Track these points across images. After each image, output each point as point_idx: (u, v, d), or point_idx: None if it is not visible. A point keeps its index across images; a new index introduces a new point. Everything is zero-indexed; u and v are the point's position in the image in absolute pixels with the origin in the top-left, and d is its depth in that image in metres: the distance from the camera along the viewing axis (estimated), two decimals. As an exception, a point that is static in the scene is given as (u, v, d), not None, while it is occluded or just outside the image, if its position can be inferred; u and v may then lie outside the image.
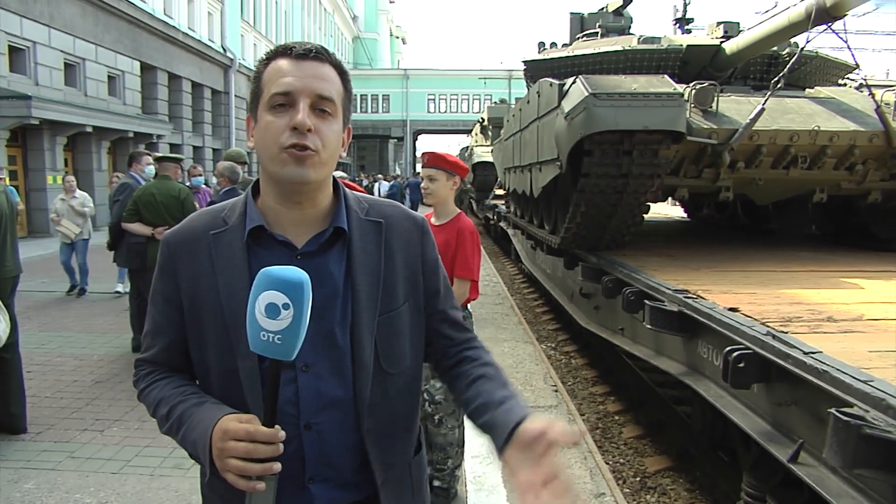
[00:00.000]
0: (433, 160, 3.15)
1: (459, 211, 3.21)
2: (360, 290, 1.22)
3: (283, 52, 1.19)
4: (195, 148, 23.55)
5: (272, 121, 1.16)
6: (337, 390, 1.20)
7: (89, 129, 15.38)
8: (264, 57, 1.22)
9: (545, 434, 1.07)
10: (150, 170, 6.43)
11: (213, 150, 24.98)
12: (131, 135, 17.37)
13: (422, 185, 3.24)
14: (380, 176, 31.64)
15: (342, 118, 1.22)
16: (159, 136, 19.34)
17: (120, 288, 8.34)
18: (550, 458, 1.06)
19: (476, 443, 3.76)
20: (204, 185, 8.70)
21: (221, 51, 25.16)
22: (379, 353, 1.24)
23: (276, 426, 1.06)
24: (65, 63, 15.34)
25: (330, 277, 1.22)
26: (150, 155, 6.84)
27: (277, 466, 1.05)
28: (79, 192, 8.47)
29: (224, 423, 1.09)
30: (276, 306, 1.01)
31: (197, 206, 5.99)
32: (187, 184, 8.48)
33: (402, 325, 1.28)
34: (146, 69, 19.55)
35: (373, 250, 1.26)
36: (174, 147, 20.78)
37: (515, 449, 1.10)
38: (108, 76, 17.28)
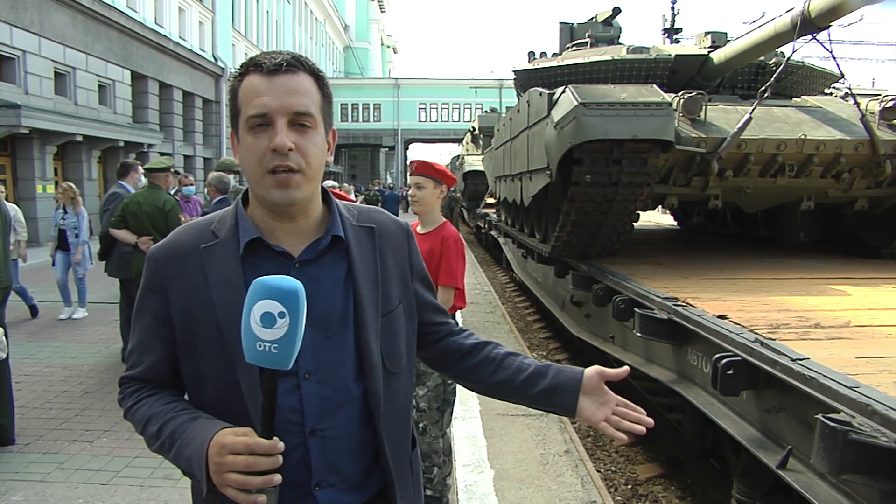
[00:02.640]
0: (421, 168, 3.18)
1: (445, 220, 3.24)
2: (363, 294, 1.24)
3: (254, 66, 1.16)
4: (186, 157, 23.47)
5: (253, 142, 1.15)
6: (341, 395, 1.21)
7: (79, 139, 15.32)
8: (237, 72, 1.20)
9: (604, 376, 1.30)
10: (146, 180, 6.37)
11: (204, 159, 24.90)
12: (122, 144, 17.30)
13: (409, 192, 3.27)
14: (351, 187, 31.67)
15: (323, 126, 1.21)
16: (150, 146, 19.26)
17: (77, 313, 7.62)
18: (612, 395, 1.31)
19: (467, 451, 3.75)
20: (195, 195, 8.66)
21: (213, 60, 25.15)
22: (383, 354, 1.26)
23: (275, 437, 1.04)
24: (55, 72, 15.28)
25: (329, 284, 1.22)
26: (141, 165, 6.76)
27: (278, 478, 1.03)
28: (8, 205, 7.42)
29: (220, 438, 1.07)
30: (271, 315, 1.00)
31: (184, 217, 5.97)
32: (179, 192, 8.45)
33: (399, 325, 1.31)
34: (137, 78, 19.51)
35: (368, 255, 1.28)
36: (165, 156, 20.68)
37: (587, 399, 1.31)
38: (99, 85, 17.23)
